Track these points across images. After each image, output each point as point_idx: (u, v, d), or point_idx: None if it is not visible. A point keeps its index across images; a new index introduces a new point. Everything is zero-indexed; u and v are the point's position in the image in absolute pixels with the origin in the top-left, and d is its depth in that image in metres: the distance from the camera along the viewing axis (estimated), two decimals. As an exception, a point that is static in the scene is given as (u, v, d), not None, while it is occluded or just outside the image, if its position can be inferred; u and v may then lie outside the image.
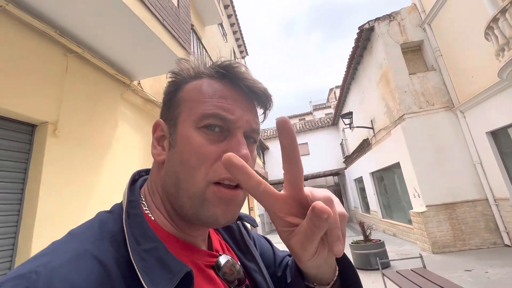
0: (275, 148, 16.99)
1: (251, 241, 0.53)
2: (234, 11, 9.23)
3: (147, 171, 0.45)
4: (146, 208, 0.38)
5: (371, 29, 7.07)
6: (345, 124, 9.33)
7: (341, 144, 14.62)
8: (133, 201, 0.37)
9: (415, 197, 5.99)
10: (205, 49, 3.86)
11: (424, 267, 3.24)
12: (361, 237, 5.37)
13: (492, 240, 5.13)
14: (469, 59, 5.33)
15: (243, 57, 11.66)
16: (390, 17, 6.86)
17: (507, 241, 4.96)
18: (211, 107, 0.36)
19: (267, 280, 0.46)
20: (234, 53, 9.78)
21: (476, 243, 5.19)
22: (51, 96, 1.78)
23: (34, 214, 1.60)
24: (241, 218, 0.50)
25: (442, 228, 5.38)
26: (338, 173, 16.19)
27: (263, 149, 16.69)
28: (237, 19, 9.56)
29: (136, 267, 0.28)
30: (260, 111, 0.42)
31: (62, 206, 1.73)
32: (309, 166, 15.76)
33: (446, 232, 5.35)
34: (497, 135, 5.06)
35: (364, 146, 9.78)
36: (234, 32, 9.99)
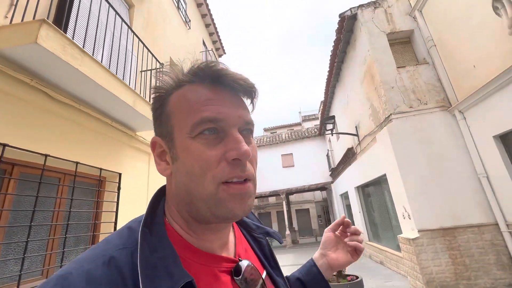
0: (264, 156, 15.70)
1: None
2: (207, 3, 8.26)
3: None
4: (168, 219, 0.41)
5: (354, 17, 6.08)
6: (327, 130, 8.19)
7: (327, 155, 13.43)
8: (158, 211, 0.41)
9: (404, 218, 4.73)
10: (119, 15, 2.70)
11: None
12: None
13: (507, 279, 3.85)
14: (468, 47, 4.28)
15: (219, 55, 10.62)
16: (375, 3, 5.89)
17: (526, 283, 3.69)
18: (200, 113, 0.37)
19: None
20: (206, 46, 8.71)
21: (486, 284, 3.89)
22: None
23: None
24: (269, 234, 0.55)
25: (440, 261, 4.09)
26: (325, 188, 14.88)
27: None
28: (209, 12, 8.58)
29: (139, 274, 0.31)
30: (248, 102, 0.43)
31: None
32: (293, 179, 14.46)
33: (445, 266, 4.05)
34: (508, 140, 3.91)
35: (349, 156, 8.60)
36: (207, 25, 8.98)
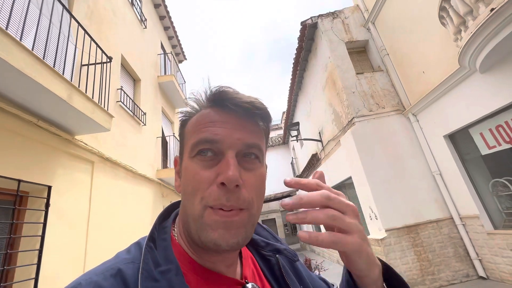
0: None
1: (292, 275, 0.49)
2: (165, 5, 7.80)
3: None
4: (176, 234, 0.42)
5: (315, 26, 6.28)
6: (292, 137, 8.21)
7: (291, 163, 13.59)
8: (166, 227, 0.42)
9: (371, 219, 4.79)
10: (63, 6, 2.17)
11: None
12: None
13: (464, 271, 4.06)
14: (418, 55, 4.66)
15: (180, 61, 10.10)
16: (333, 14, 6.19)
17: (481, 272, 3.93)
18: (200, 134, 0.38)
19: None
20: (164, 49, 8.15)
21: (447, 277, 4.05)
22: None
23: None
24: (279, 251, 0.51)
25: (407, 259, 4.16)
26: (290, 195, 14.93)
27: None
28: (168, 14, 8.13)
29: (139, 286, 0.32)
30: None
31: None
32: (259, 188, 14.20)
33: (412, 264, 4.13)
34: (456, 139, 4.26)
35: (314, 163, 8.72)
36: (166, 28, 8.47)
